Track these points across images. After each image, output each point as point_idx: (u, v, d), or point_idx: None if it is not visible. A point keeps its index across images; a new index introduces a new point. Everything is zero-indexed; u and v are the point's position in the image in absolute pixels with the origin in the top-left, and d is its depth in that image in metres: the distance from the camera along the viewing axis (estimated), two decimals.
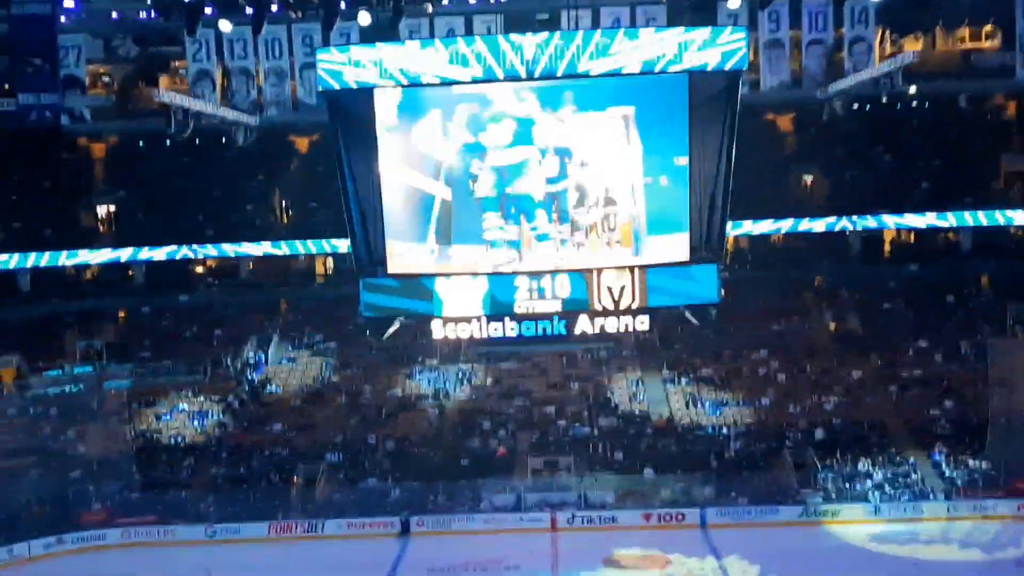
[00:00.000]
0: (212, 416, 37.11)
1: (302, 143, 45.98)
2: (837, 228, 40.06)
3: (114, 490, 32.79)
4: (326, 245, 40.93)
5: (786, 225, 39.93)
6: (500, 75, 19.58)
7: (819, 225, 39.81)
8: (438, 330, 21.85)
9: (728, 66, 19.63)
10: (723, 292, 21.81)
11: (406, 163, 20.92)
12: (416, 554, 29.54)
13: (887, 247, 43.80)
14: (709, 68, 19.54)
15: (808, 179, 43.99)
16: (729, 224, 22.70)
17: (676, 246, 20.95)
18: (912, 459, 32.45)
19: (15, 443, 34.65)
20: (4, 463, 33.48)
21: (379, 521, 31.37)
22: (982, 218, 39.05)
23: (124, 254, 41.33)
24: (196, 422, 36.84)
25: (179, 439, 35.95)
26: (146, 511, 32.20)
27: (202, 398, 38.19)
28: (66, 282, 43.40)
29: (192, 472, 34.24)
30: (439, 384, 38.51)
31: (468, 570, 27.68)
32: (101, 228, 45.06)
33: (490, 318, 21.45)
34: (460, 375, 38.94)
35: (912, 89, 26.44)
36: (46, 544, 30.62)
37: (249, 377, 39.51)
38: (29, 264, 41.07)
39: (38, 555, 30.34)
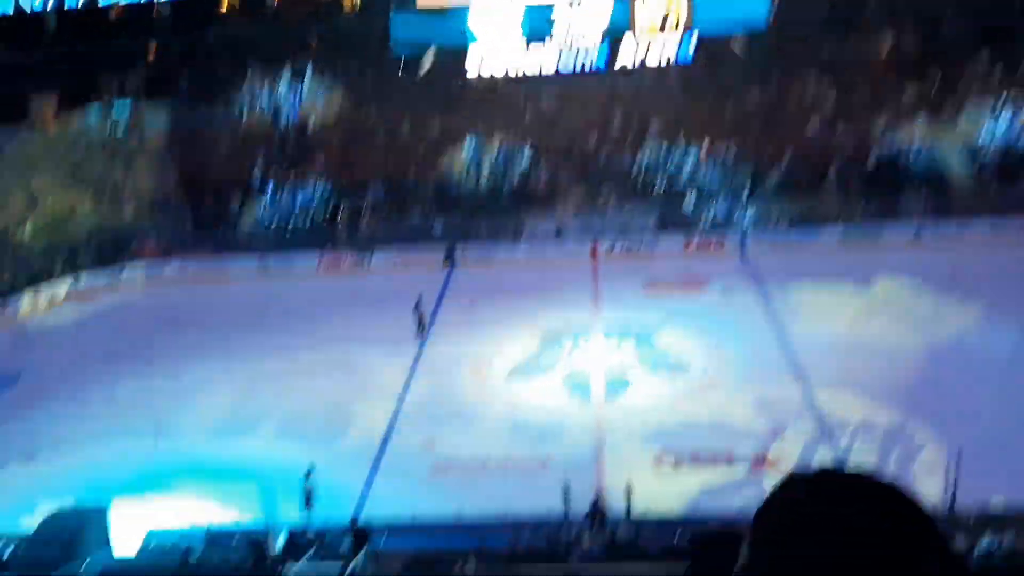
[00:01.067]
0: (254, 152, 37.27)
1: None
2: None
3: (168, 226, 33.77)
4: None
5: None
6: None
7: None
8: (473, 66, 21.13)
9: None
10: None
11: None
12: (460, 284, 30.44)
13: None
14: None
15: None
16: None
17: None
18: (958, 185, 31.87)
19: (69, 179, 35.33)
20: (61, 197, 34.41)
21: (423, 257, 31.98)
22: None
23: None
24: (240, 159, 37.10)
25: (224, 177, 36.38)
26: (200, 247, 33.40)
27: (242, 136, 38.17)
28: (94, 21, 42.21)
29: (240, 209, 35.00)
30: (478, 119, 37.84)
31: (511, 298, 28.49)
32: None
33: (527, 45, 20.64)
34: (498, 110, 38.13)
35: None
36: (108, 275, 32.09)
37: (286, 114, 39.18)
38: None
39: (102, 285, 31.93)
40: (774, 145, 34.37)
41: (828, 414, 19.42)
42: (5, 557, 14.48)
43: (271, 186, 35.68)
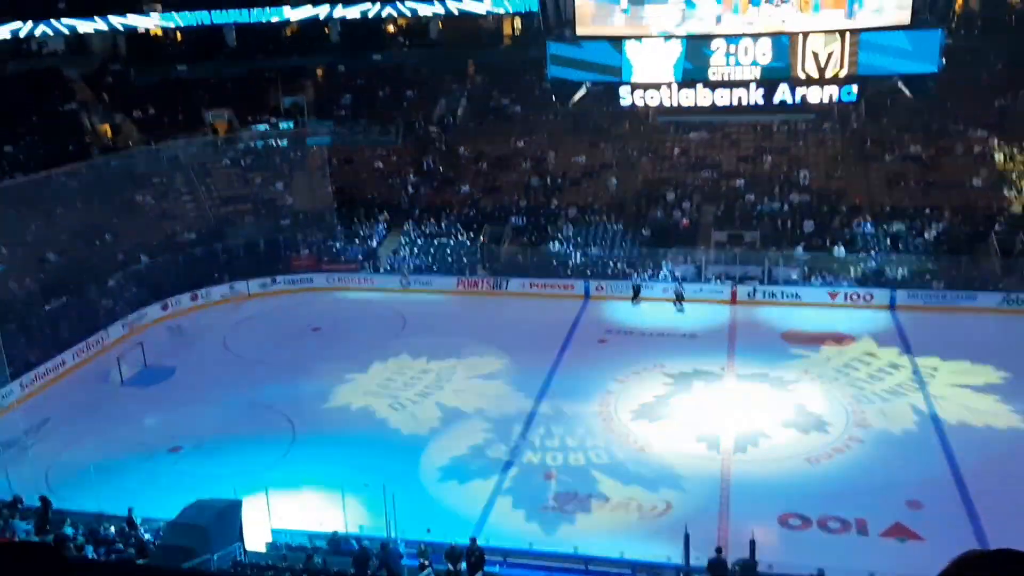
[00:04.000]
0: (405, 176, 38.65)
1: None
2: None
3: (319, 239, 35.36)
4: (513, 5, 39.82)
5: None
6: None
7: None
8: (626, 97, 21.24)
9: None
10: (944, 61, 19.74)
11: None
12: (594, 315, 30.41)
13: None
14: None
15: None
16: None
17: (896, 8, 18.89)
18: None
19: (231, 191, 37.66)
20: (223, 209, 36.71)
21: (560, 283, 32.33)
22: None
23: (322, 11, 42.00)
24: (390, 180, 38.49)
25: (375, 196, 37.87)
26: (348, 260, 34.81)
27: (395, 158, 39.62)
28: (268, 39, 45.02)
29: (388, 227, 36.25)
30: (625, 153, 37.95)
31: (644, 335, 28.28)
32: None
33: (681, 84, 20.56)
34: (645, 146, 38.12)
35: None
36: (262, 283, 33.93)
37: (439, 139, 40.42)
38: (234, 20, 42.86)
39: (256, 292, 33.71)
40: (935, 201, 32.83)
41: (969, 492, 18.22)
42: (149, 537, 15.43)
43: (420, 207, 36.80)
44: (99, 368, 27.14)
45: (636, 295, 30.66)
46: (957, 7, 35.84)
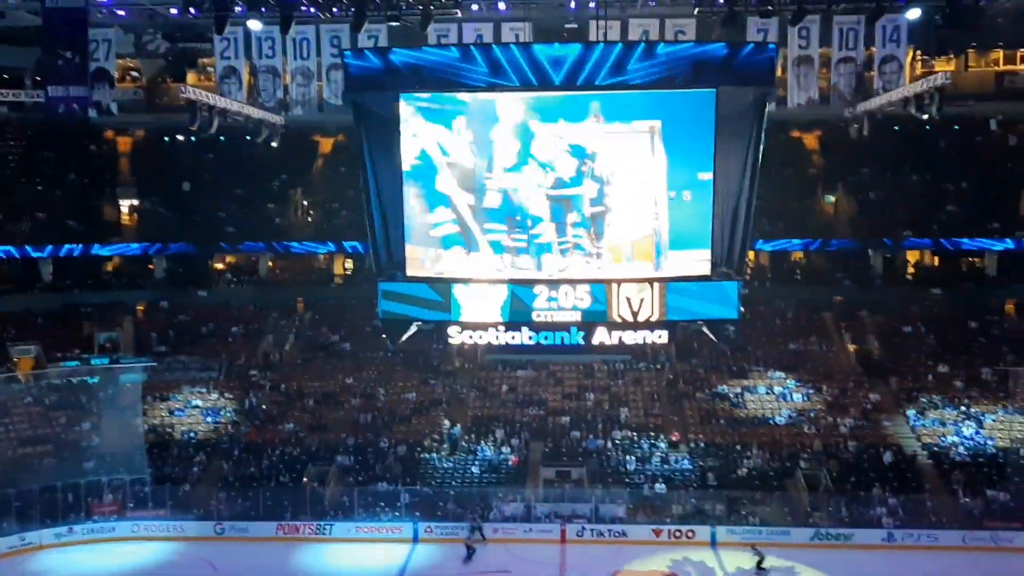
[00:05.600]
0: (225, 413, 37.32)
1: (326, 143, 46.31)
2: (858, 249, 39.71)
3: (126, 483, 32.93)
4: (345, 246, 41.11)
5: (808, 245, 39.68)
6: (532, 83, 19.65)
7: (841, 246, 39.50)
8: (455, 336, 21.84)
9: (755, 83, 19.69)
10: (742, 309, 21.69)
11: (428, 168, 20.98)
12: (423, 561, 29.45)
13: (911, 269, 43.55)
14: (736, 84, 19.57)
15: (833, 199, 43.81)
16: (751, 241, 22.66)
17: (697, 261, 20.88)
18: (928, 486, 32.06)
19: (31, 431, 34.93)
20: (20, 451, 33.79)
21: (387, 526, 31.37)
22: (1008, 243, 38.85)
23: (146, 250, 41.68)
24: (209, 419, 37.05)
25: (191, 435, 36.16)
26: (157, 505, 32.41)
27: (216, 395, 38.38)
28: (87, 273, 43.88)
29: (204, 469, 34.38)
30: (454, 389, 38.49)
31: None
32: (125, 221, 45.47)
33: (508, 326, 21.43)
34: (475, 382, 38.92)
35: (938, 112, 26.06)
36: (57, 533, 30.86)
37: (264, 375, 39.68)
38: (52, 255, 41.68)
39: (49, 543, 30.54)
40: (744, 438, 34.82)
41: None
42: None
43: (240, 446, 35.30)
44: None
45: (470, 544, 29.81)
46: (751, 261, 40.16)
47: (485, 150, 20.60)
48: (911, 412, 35.64)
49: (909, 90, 27.11)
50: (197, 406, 37.88)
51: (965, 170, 41.97)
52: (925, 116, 26.44)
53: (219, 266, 45.88)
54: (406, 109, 20.66)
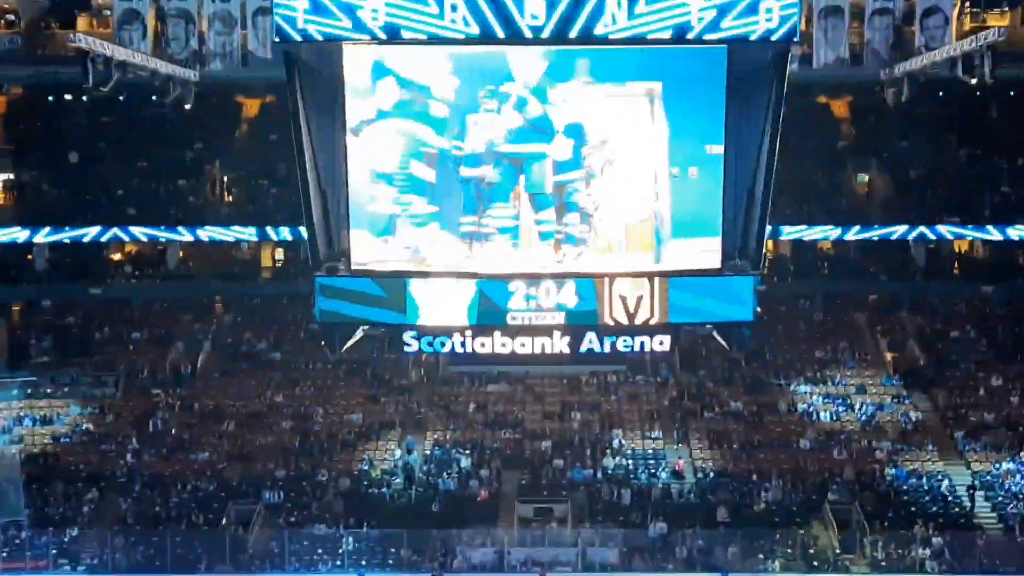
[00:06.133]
0: (124, 439, 37.11)
1: (252, 106, 46.03)
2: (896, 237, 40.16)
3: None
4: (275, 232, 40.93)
5: (836, 232, 40.05)
6: (500, 35, 19.76)
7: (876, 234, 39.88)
8: (411, 343, 21.95)
9: (775, 37, 19.97)
10: (759, 309, 22.03)
11: (380, 136, 21.07)
12: None
13: (956, 262, 44.13)
14: (752, 38, 19.84)
15: (866, 177, 44.33)
16: (768, 228, 22.92)
17: (704, 252, 21.19)
18: (980, 523, 32.69)
19: None
20: None
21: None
22: None
23: (23, 235, 41.18)
24: (103, 446, 36.84)
25: (80, 467, 35.92)
26: (37, 555, 32.20)
27: (112, 417, 38.16)
28: None
29: (96, 509, 34.18)
30: (410, 409, 38.56)
31: None
32: None
33: (476, 330, 21.58)
34: (435, 399, 39.02)
35: (990, 74, 26.44)
36: None
37: (172, 391, 39.56)
38: None
39: None
40: (762, 466, 35.25)
41: None
42: None
43: (142, 480, 35.16)
44: None
45: None
46: (769, 251, 40.55)
47: (447, 112, 20.73)
48: (959, 434, 36.33)
49: (956, 48, 27.55)
50: (88, 430, 37.66)
51: (1021, 144, 42.63)
52: (975, 80, 26.83)
53: (116, 256, 45.43)
54: (351, 60, 20.67)
